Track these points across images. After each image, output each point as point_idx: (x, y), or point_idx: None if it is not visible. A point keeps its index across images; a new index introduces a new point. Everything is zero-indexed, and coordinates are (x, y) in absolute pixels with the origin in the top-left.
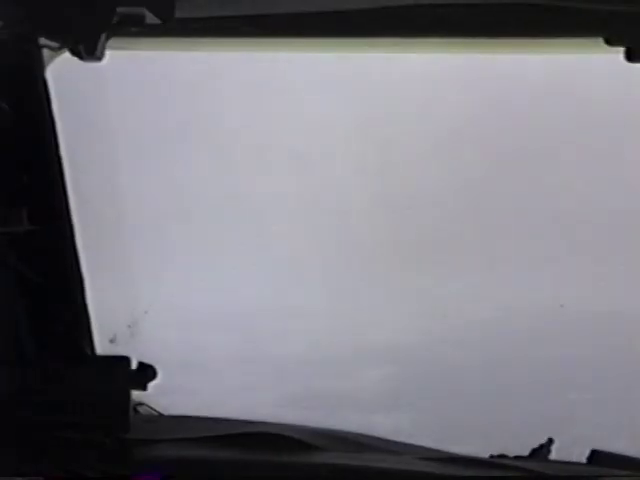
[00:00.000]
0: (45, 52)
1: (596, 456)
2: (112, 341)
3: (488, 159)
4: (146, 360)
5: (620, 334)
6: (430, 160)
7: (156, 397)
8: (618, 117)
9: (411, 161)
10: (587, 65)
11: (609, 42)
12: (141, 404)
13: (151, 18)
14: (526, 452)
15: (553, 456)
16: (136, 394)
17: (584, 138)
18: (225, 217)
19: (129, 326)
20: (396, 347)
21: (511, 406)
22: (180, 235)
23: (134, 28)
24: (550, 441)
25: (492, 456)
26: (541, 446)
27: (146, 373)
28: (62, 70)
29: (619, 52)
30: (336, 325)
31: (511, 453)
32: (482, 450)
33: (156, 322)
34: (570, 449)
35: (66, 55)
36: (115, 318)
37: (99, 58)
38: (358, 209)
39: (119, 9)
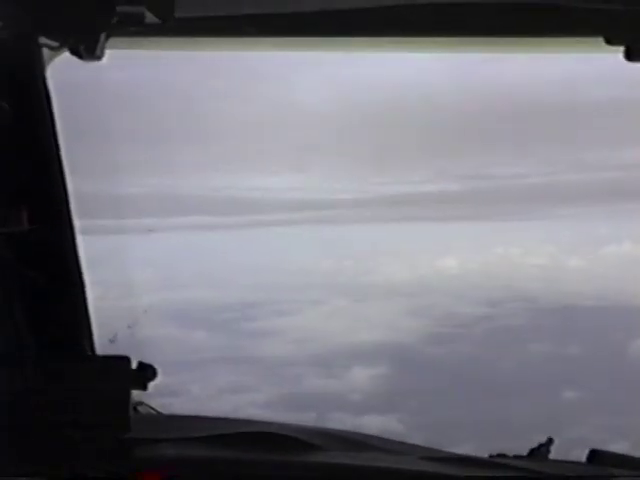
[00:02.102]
0: (45, 51)
1: (596, 456)
2: (112, 341)
3: (487, 150)
4: (146, 360)
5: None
6: (429, 158)
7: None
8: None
9: (409, 157)
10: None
11: (609, 41)
12: (141, 403)
13: (151, 18)
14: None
15: (552, 455)
16: (136, 393)
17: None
18: (224, 215)
19: (129, 326)
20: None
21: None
22: (180, 233)
23: (134, 28)
24: (550, 440)
25: (492, 456)
26: (540, 445)
27: (146, 373)
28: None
29: (619, 51)
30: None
31: (509, 453)
32: (482, 450)
33: (155, 322)
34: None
35: (66, 54)
36: (115, 318)
37: (99, 57)
38: (356, 204)
39: (119, 8)
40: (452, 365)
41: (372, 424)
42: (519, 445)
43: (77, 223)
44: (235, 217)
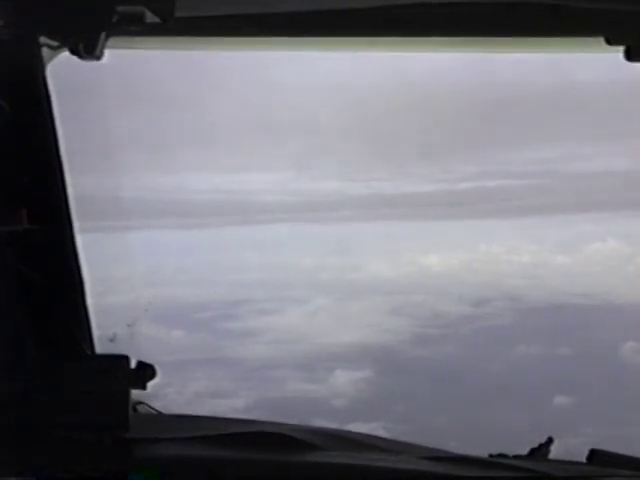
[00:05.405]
0: (45, 51)
1: (596, 456)
2: (112, 340)
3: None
4: (145, 359)
5: None
6: (413, 159)
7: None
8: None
9: (394, 158)
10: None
11: (609, 41)
12: (140, 403)
13: (151, 17)
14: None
15: (553, 455)
16: (135, 393)
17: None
18: (222, 218)
19: (129, 325)
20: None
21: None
22: (179, 232)
23: (134, 27)
24: (550, 440)
25: (492, 455)
26: (540, 445)
27: (145, 372)
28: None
29: (619, 51)
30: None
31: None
32: (482, 449)
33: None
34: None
35: (66, 54)
36: (115, 317)
37: (98, 57)
38: (340, 203)
39: (119, 8)
40: (439, 368)
41: (357, 431)
42: (510, 450)
43: (77, 223)
44: (218, 217)
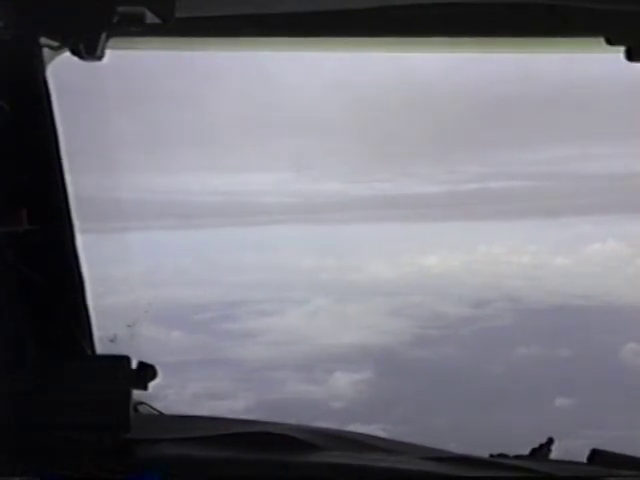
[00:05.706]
0: (45, 51)
1: (596, 456)
2: (112, 341)
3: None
4: (145, 360)
5: None
6: (412, 160)
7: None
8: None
9: (393, 160)
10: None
11: (610, 42)
12: (141, 403)
13: (151, 18)
14: None
15: (553, 455)
16: (136, 393)
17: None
18: (222, 219)
19: (129, 326)
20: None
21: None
22: (179, 233)
23: (134, 28)
24: (550, 440)
25: (492, 455)
26: (541, 445)
27: (146, 372)
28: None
29: (619, 51)
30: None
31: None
32: (482, 450)
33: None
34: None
35: (66, 54)
36: (115, 318)
37: (99, 57)
38: (340, 204)
39: (119, 8)
40: (439, 369)
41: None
42: (510, 451)
43: (77, 223)
44: (218, 217)
